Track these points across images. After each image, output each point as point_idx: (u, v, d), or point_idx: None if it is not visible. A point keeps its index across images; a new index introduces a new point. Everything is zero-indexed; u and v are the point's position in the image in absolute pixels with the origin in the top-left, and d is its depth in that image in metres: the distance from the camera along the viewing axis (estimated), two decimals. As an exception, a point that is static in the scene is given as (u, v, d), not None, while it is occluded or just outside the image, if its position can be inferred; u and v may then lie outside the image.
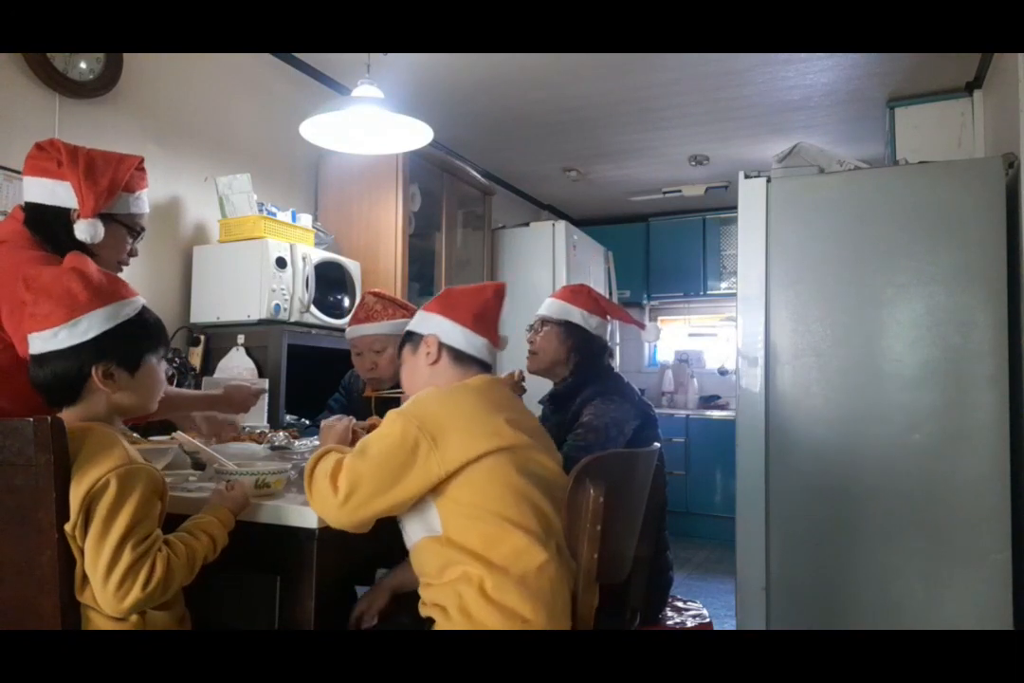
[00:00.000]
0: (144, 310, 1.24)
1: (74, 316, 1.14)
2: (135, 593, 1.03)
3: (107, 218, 1.51)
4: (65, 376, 1.14)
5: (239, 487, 1.26)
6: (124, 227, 1.57)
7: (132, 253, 1.63)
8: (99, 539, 1.03)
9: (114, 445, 1.09)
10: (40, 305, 1.14)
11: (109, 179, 1.50)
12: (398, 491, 1.21)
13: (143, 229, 1.63)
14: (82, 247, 1.47)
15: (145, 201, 1.63)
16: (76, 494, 1.04)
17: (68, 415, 1.15)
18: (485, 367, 1.44)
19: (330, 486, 1.20)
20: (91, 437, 1.09)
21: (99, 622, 1.07)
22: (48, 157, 1.49)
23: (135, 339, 1.20)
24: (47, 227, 1.49)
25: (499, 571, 1.20)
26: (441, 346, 1.41)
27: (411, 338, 1.47)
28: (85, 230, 1.46)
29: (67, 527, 1.04)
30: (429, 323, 1.44)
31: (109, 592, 1.02)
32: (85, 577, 1.06)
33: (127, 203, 1.56)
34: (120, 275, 2.26)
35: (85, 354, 1.14)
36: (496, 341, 1.46)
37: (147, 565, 1.04)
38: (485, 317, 1.45)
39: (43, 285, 1.16)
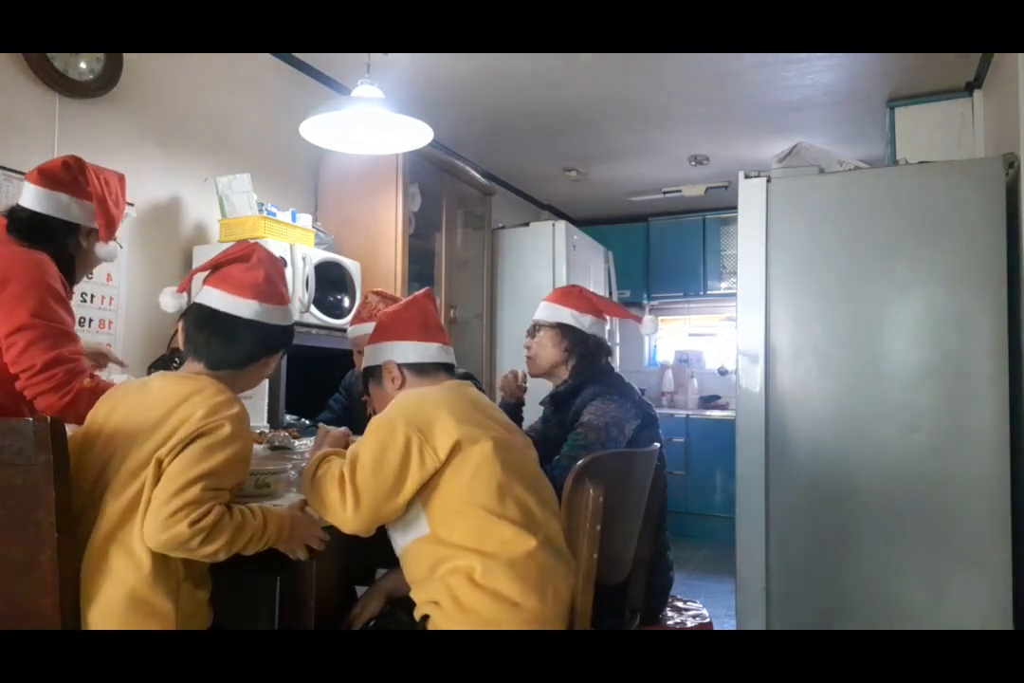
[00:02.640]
0: None
1: (286, 302, 1.32)
2: (181, 527, 1.06)
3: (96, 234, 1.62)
4: (261, 347, 1.28)
5: (314, 522, 1.27)
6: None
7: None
8: (185, 468, 1.09)
9: (239, 404, 1.20)
10: (271, 282, 1.28)
11: (123, 203, 1.65)
12: (404, 490, 1.23)
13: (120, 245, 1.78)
14: (71, 259, 1.59)
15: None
16: (191, 426, 1.11)
17: (215, 374, 1.23)
18: (449, 368, 1.48)
19: (338, 495, 1.21)
20: (224, 392, 1.19)
21: (122, 571, 1.09)
22: (69, 174, 1.57)
23: None
24: (53, 235, 1.56)
25: (489, 557, 1.22)
26: (400, 367, 1.45)
27: (372, 374, 1.50)
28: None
29: (163, 453, 1.10)
30: (380, 352, 1.48)
31: (163, 515, 1.06)
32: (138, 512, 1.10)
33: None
34: (120, 274, 2.33)
35: (284, 337, 1.32)
36: (446, 340, 1.50)
37: (205, 508, 1.08)
38: (427, 324, 1.49)
39: (275, 267, 1.32)
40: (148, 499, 1.09)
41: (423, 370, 1.45)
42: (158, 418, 1.14)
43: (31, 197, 1.56)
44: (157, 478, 1.10)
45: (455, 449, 1.24)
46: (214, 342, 1.24)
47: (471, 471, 1.25)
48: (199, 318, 1.25)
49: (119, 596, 1.08)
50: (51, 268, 1.51)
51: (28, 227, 1.54)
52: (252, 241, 1.37)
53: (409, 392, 1.36)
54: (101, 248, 1.59)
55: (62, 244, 1.57)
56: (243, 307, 1.24)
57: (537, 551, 1.24)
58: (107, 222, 1.58)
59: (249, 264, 1.28)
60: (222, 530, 1.10)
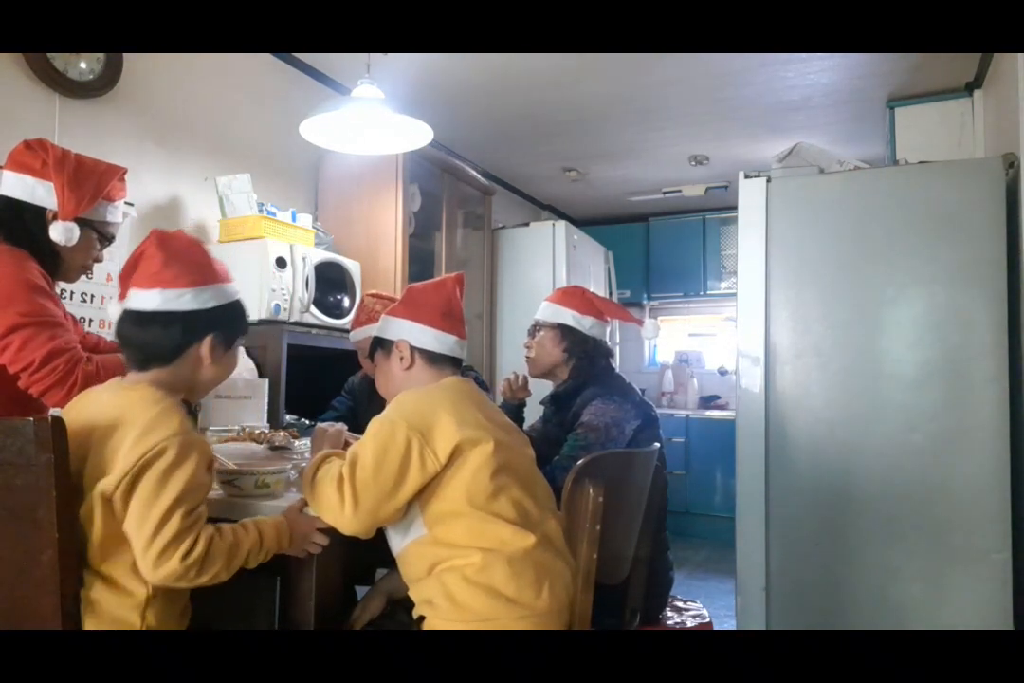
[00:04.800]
0: (240, 297, 1.30)
1: (201, 284, 1.19)
2: (172, 564, 1.04)
3: (82, 223, 1.53)
4: (177, 338, 1.18)
5: (312, 520, 1.26)
6: (96, 233, 1.60)
7: (98, 259, 1.65)
8: (149, 503, 1.05)
9: (173, 414, 1.11)
10: (171, 266, 1.18)
11: (93, 186, 1.53)
12: (403, 492, 1.22)
13: (113, 237, 1.66)
14: (52, 247, 1.50)
15: (121, 211, 1.66)
16: (130, 457, 1.06)
17: (149, 376, 1.18)
18: (457, 363, 1.46)
19: (337, 496, 1.20)
20: (157, 404, 1.11)
21: (104, 602, 1.08)
22: (34, 156, 1.52)
23: (239, 320, 1.28)
24: (21, 223, 1.51)
25: (488, 552, 1.22)
26: (413, 350, 1.42)
27: (382, 344, 1.47)
28: (61, 232, 1.49)
29: (108, 488, 1.05)
30: (398, 328, 1.44)
31: (150, 558, 1.04)
32: (106, 546, 1.08)
33: (104, 211, 1.59)
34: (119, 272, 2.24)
35: (202, 321, 1.20)
36: (463, 333, 1.47)
37: (191, 537, 1.06)
38: (451, 313, 1.45)
39: (176, 248, 1.20)
40: (97, 527, 1.06)
41: (434, 359, 1.42)
42: (95, 440, 1.09)
43: (2, 182, 1.54)
44: (105, 512, 1.06)
45: (455, 452, 1.24)
46: (131, 343, 1.19)
47: (470, 473, 1.24)
48: (117, 323, 1.20)
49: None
50: (27, 263, 1.47)
51: (3, 216, 1.51)
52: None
53: (410, 392, 1.35)
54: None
55: (38, 233, 1.51)
56: (147, 300, 1.17)
57: (535, 548, 1.24)
58: (63, 200, 1.49)
59: (148, 253, 1.19)
60: (215, 556, 1.09)
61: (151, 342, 1.18)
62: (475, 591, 1.21)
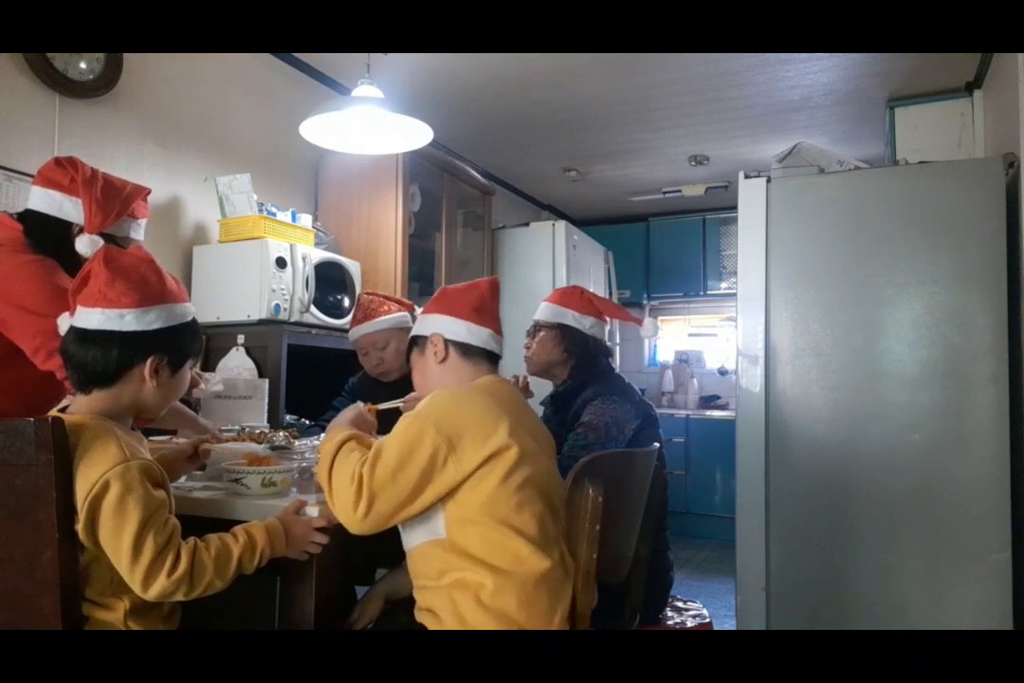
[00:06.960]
0: (195, 317, 1.26)
1: (145, 304, 1.15)
2: (161, 582, 1.05)
3: (106, 238, 1.59)
4: (116, 359, 1.14)
5: (308, 520, 1.25)
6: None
7: None
8: (117, 534, 1.05)
9: (108, 443, 1.08)
10: (115, 285, 1.14)
11: (119, 203, 1.62)
12: (420, 501, 1.20)
13: None
14: (78, 260, 1.54)
15: (143, 229, 1.74)
16: (78, 495, 1.06)
17: (91, 400, 1.16)
18: (493, 357, 1.43)
19: (354, 495, 1.18)
20: (86, 434, 1.08)
21: (93, 614, 1.10)
22: (63, 173, 1.59)
23: (187, 342, 1.23)
24: (49, 237, 1.58)
25: (500, 574, 1.19)
26: (447, 343, 1.41)
27: (417, 342, 1.46)
28: (88, 245, 1.54)
29: (78, 526, 1.06)
30: (430, 323, 1.44)
31: (137, 582, 1.05)
32: (87, 574, 1.08)
33: (128, 227, 1.67)
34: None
35: (144, 343, 1.15)
36: (499, 329, 1.45)
37: (172, 553, 1.07)
38: (484, 309, 1.44)
39: (122, 266, 1.16)
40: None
41: (468, 352, 1.40)
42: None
43: (31, 197, 1.61)
44: (68, 546, 1.05)
45: (482, 463, 1.20)
46: (72, 362, 1.15)
47: (494, 483, 1.21)
48: (62, 340, 1.18)
49: None
50: (58, 271, 1.54)
51: (32, 229, 1.57)
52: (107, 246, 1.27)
53: (444, 393, 1.30)
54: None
55: (64, 246, 1.57)
56: (89, 318, 1.14)
57: (550, 572, 1.21)
58: (90, 215, 1.56)
59: (94, 271, 1.15)
60: (203, 567, 1.09)
61: (90, 362, 1.14)
62: (487, 616, 1.18)
